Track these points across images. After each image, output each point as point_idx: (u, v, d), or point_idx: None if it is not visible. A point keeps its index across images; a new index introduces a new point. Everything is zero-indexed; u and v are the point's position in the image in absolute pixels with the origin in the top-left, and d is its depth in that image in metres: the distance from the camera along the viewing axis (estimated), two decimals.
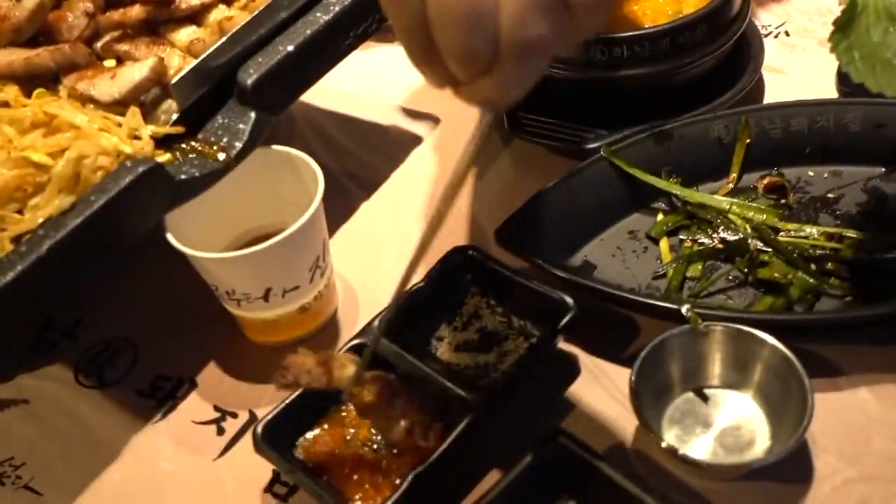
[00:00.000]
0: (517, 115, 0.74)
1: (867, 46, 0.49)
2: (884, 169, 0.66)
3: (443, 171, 0.77)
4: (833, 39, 0.50)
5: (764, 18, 0.85)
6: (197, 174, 0.60)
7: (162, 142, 0.61)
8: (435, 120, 0.82)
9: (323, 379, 0.51)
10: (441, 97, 0.84)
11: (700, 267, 0.63)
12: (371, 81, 0.87)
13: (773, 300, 0.60)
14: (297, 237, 0.59)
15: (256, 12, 0.65)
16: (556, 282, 0.60)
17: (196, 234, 0.61)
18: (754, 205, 0.65)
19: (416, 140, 0.80)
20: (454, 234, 0.70)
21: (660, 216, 0.67)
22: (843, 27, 0.50)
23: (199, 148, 0.62)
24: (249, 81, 0.62)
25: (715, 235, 0.64)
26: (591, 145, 0.69)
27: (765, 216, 0.64)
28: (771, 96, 0.77)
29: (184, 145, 0.62)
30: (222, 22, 0.66)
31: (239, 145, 0.62)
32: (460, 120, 0.81)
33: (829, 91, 0.75)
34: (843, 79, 0.73)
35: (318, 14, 0.66)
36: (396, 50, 0.91)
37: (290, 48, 0.64)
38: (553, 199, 0.66)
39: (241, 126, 0.62)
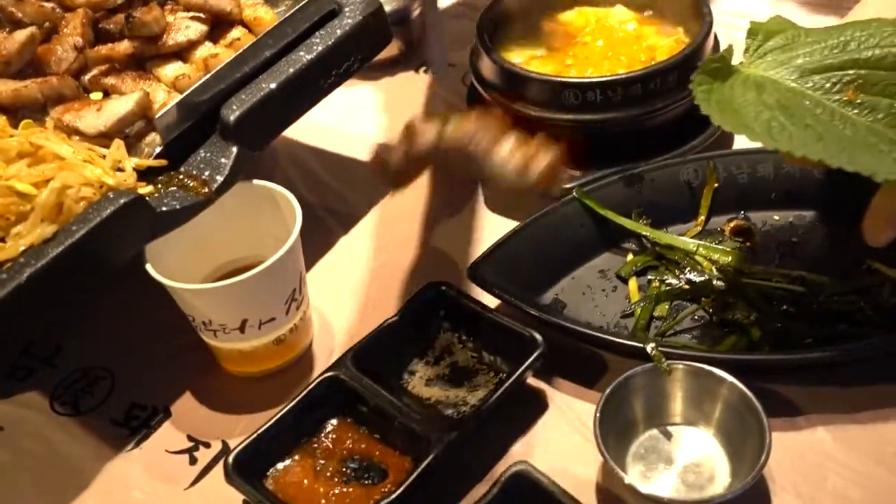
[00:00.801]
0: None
1: (725, 96, 0.53)
2: (845, 213, 0.68)
3: (421, 207, 0.79)
4: (697, 80, 0.54)
5: None
6: (178, 206, 0.61)
7: (145, 174, 0.62)
8: None
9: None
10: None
11: (667, 307, 0.65)
12: (354, 118, 0.89)
13: (736, 340, 0.61)
14: (273, 270, 0.60)
15: (241, 50, 0.67)
16: (527, 319, 0.62)
17: (175, 265, 0.62)
18: (720, 247, 0.67)
19: None
20: (428, 269, 0.71)
21: (629, 256, 0.69)
22: (711, 75, 0.54)
23: (181, 181, 0.63)
24: (232, 117, 0.64)
25: (682, 276, 0.66)
26: (565, 186, 0.71)
27: (730, 258, 0.66)
28: (741, 141, 0.79)
29: (166, 178, 0.63)
30: (208, 59, 0.67)
31: (220, 179, 0.63)
32: None
33: None
34: None
35: (302, 53, 0.68)
36: (379, 87, 0.94)
37: (273, 86, 0.66)
38: (526, 238, 0.68)
39: (222, 160, 0.64)
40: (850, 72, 0.53)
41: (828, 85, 0.53)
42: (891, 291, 0.63)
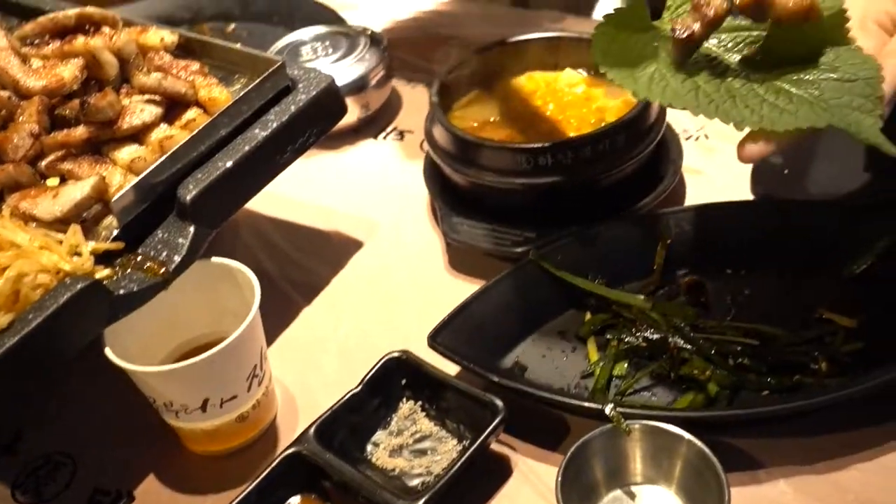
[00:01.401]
0: (452, 220, 0.77)
1: (626, 48, 0.56)
2: (797, 265, 0.70)
3: (381, 274, 0.79)
4: (600, 29, 0.56)
5: (685, 123, 0.90)
6: (135, 289, 0.61)
7: (103, 257, 0.63)
8: (375, 225, 0.84)
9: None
10: (381, 202, 0.88)
11: (625, 365, 0.65)
12: (315, 188, 0.90)
13: (694, 396, 0.62)
14: (233, 348, 0.60)
15: (196, 131, 0.68)
16: (488, 384, 0.62)
17: (135, 346, 0.62)
18: (675, 304, 0.68)
19: (356, 245, 0.83)
20: (391, 338, 0.72)
21: (588, 316, 0.70)
22: (618, 25, 0.57)
23: (139, 263, 0.63)
24: (188, 197, 0.65)
25: (639, 334, 0.67)
26: (521, 249, 0.72)
27: (684, 314, 0.67)
28: (692, 196, 0.81)
29: (124, 260, 0.63)
30: (163, 141, 0.68)
31: (178, 259, 0.64)
32: (399, 224, 0.84)
33: (746, 190, 0.79)
34: (756, 179, 0.78)
35: (257, 130, 0.70)
36: (340, 156, 0.95)
37: (229, 164, 0.67)
38: (484, 303, 0.68)
39: (180, 240, 0.65)
40: (754, 33, 0.56)
41: (731, 44, 0.56)
42: (843, 340, 0.64)
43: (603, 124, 0.76)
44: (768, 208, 0.72)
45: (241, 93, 0.71)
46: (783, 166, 0.79)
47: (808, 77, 0.55)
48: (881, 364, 0.59)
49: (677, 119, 0.90)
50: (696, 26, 0.55)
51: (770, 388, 0.62)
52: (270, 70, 0.72)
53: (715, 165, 0.84)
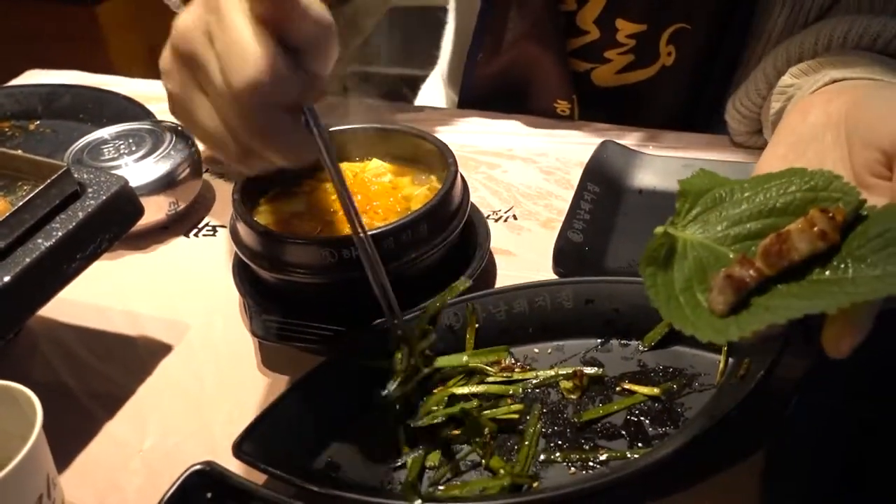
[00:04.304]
0: (262, 318, 0.75)
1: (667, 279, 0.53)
2: (599, 340, 0.72)
3: (191, 379, 0.76)
4: (647, 270, 0.53)
5: (496, 205, 0.93)
6: None
7: None
8: (184, 327, 0.81)
9: None
10: (192, 303, 0.85)
11: (439, 454, 0.65)
12: (120, 291, 0.86)
13: (502, 484, 0.62)
14: (10, 481, 0.55)
15: None
16: (298, 491, 0.60)
17: None
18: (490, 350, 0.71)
19: (164, 349, 0.79)
20: (199, 449, 0.69)
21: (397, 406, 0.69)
22: (655, 261, 0.53)
23: None
24: None
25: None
26: (332, 344, 0.71)
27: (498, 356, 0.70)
28: (502, 277, 0.83)
29: None
30: None
31: None
32: (211, 325, 0.82)
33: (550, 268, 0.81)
34: (557, 260, 0.80)
35: (40, 241, 0.66)
36: (148, 256, 0.92)
37: (6, 279, 0.63)
38: (293, 403, 0.66)
39: None
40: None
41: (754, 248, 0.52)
42: (645, 411, 0.66)
43: (407, 213, 0.76)
44: (567, 287, 0.74)
45: (21, 202, 0.67)
46: (583, 244, 0.82)
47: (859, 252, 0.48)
48: (680, 433, 0.62)
49: (484, 200, 0.93)
50: (765, 270, 0.49)
51: (575, 466, 0.63)
52: (55, 175, 0.69)
53: (523, 245, 0.87)
